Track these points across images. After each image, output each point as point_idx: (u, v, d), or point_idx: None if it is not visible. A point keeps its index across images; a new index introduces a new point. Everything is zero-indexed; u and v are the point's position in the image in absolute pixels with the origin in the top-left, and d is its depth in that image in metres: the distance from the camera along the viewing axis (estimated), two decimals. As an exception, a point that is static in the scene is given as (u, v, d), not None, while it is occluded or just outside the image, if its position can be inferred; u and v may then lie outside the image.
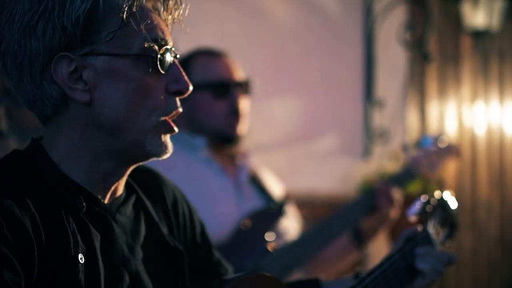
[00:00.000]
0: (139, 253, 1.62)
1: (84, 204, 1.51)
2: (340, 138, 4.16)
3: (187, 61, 2.91)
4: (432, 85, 4.72)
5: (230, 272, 1.93)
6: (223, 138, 2.88)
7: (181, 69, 1.55)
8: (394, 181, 3.05)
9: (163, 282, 1.65)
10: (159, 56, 1.49)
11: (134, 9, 1.47)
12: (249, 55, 3.59)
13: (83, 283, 1.43)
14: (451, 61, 4.85)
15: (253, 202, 2.88)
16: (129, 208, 1.66)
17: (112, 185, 1.59)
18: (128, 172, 1.61)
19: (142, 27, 1.48)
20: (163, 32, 1.52)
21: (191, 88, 1.56)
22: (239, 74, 2.92)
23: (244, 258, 2.63)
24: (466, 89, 4.96)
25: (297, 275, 2.80)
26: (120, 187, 1.63)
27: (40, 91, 1.49)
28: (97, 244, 1.52)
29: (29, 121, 2.73)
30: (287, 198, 3.02)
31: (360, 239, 3.01)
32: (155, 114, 1.51)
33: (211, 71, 2.87)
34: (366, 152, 4.23)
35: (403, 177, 3.07)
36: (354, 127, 4.22)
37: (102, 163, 1.54)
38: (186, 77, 1.55)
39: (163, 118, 1.52)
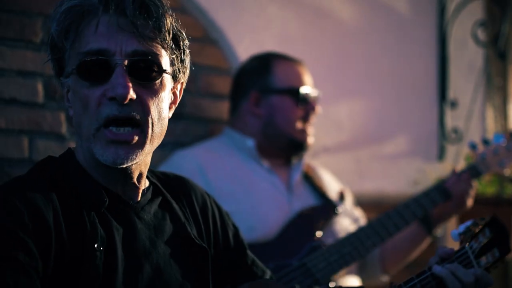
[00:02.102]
0: (162, 248, 1.71)
1: (106, 199, 1.64)
2: (413, 140, 4.06)
3: (266, 64, 2.96)
4: (512, 84, 4.54)
5: (266, 272, 1.95)
6: (295, 145, 2.94)
7: (121, 76, 1.59)
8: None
9: (185, 276, 1.73)
10: (78, 68, 1.61)
11: (63, 34, 1.63)
12: (312, 58, 3.58)
13: (101, 270, 1.55)
14: (534, 59, 4.65)
15: (306, 201, 2.89)
16: (154, 207, 1.76)
17: (124, 186, 1.70)
18: (132, 175, 1.70)
19: (72, 45, 1.63)
20: (99, 42, 1.60)
21: (128, 93, 1.58)
22: (311, 83, 3.00)
23: (292, 255, 2.63)
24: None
25: (344, 272, 2.77)
26: (138, 189, 1.73)
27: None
28: (118, 237, 1.63)
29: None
30: (343, 198, 2.99)
31: (429, 224, 2.94)
32: (92, 123, 1.61)
33: (294, 78, 2.96)
34: (441, 154, 4.12)
35: (470, 173, 2.97)
36: (428, 128, 4.12)
37: (98, 168, 1.67)
38: (125, 83, 1.59)
39: (97, 126, 1.61)
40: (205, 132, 3.23)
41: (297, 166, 2.98)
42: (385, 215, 2.78)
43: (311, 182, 2.97)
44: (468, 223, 1.94)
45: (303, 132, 2.94)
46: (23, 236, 1.47)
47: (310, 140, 2.97)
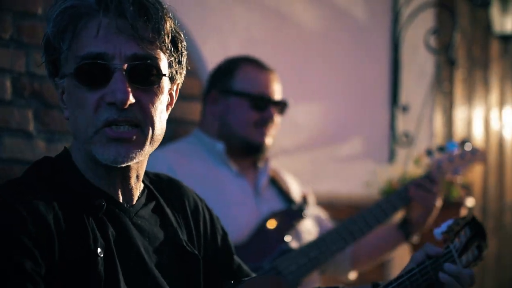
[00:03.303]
0: (155, 255, 1.72)
1: (103, 204, 1.64)
2: (365, 143, 4.18)
3: (232, 67, 2.98)
4: (459, 90, 4.71)
5: (250, 276, 1.99)
6: (248, 146, 2.95)
7: (121, 81, 1.59)
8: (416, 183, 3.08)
9: (177, 283, 1.74)
10: (76, 72, 1.60)
11: (59, 35, 1.61)
12: (274, 60, 3.64)
13: (103, 275, 1.56)
14: (479, 66, 4.84)
15: (273, 204, 2.95)
16: (147, 212, 1.77)
17: (121, 188, 1.70)
18: (130, 176, 1.70)
19: (69, 47, 1.61)
20: (97, 46, 1.59)
21: (128, 98, 1.59)
22: (279, 93, 3.00)
23: (263, 259, 2.69)
24: (494, 94, 4.94)
25: (315, 275, 2.85)
26: (134, 191, 1.73)
27: None
28: (114, 241, 1.63)
29: (57, 123, 2.83)
30: (306, 201, 3.07)
31: (407, 230, 3.02)
32: (91, 125, 1.61)
33: (254, 82, 2.96)
34: (392, 157, 4.25)
35: (425, 180, 3.08)
36: (379, 131, 4.24)
37: (96, 170, 1.67)
38: (124, 89, 1.59)
39: (97, 128, 1.60)
40: (170, 133, 3.24)
41: (263, 170, 3.03)
42: (350, 220, 2.86)
43: (277, 186, 3.04)
44: (450, 222, 2.01)
45: (259, 134, 2.95)
46: (28, 243, 1.47)
47: (268, 141, 2.98)
